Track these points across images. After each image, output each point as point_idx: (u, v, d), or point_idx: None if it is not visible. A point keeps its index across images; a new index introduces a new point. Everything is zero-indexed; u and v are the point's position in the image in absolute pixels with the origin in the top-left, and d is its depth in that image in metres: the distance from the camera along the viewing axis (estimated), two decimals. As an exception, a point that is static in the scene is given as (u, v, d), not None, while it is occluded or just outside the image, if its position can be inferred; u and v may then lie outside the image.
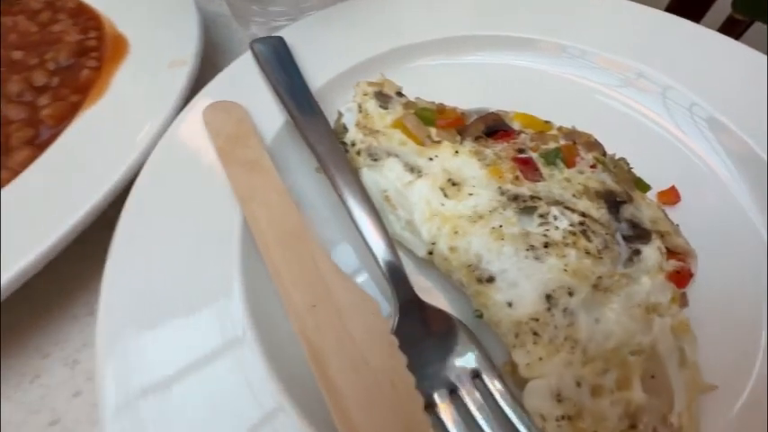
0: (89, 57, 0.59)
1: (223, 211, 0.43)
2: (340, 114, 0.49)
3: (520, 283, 0.35)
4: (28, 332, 0.45)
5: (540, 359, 0.32)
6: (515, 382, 0.35)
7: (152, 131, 0.49)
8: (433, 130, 0.45)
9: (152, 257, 0.40)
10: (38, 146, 0.50)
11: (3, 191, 0.46)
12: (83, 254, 0.44)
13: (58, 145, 0.50)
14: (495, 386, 0.34)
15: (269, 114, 0.51)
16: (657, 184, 0.45)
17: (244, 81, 0.54)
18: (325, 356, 0.33)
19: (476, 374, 0.35)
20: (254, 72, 0.55)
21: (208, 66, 0.60)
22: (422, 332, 0.36)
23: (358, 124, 0.46)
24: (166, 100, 0.52)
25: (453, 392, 0.34)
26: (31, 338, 0.44)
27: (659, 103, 0.52)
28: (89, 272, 0.45)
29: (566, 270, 0.34)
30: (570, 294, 0.34)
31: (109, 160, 0.47)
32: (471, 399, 0.34)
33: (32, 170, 0.48)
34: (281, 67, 0.54)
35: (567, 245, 0.36)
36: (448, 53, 0.57)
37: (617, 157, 0.43)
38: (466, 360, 0.35)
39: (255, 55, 0.55)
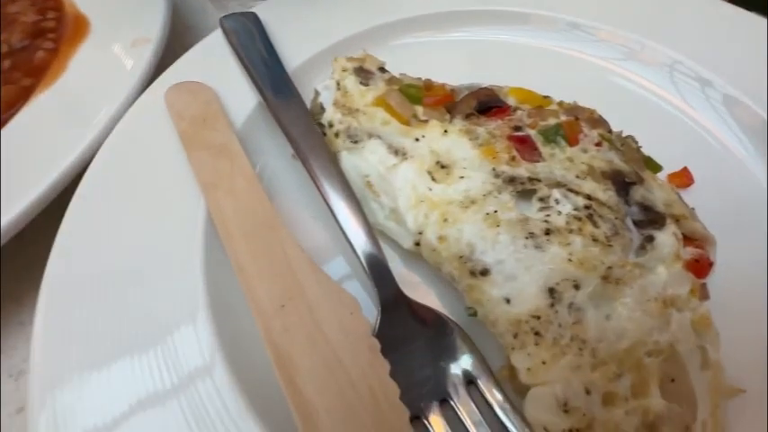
0: (45, 38, 0.54)
1: (184, 202, 0.38)
2: (316, 93, 0.44)
3: (518, 275, 0.30)
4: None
5: (544, 363, 0.28)
6: (515, 389, 0.31)
7: (109, 115, 0.44)
8: (419, 109, 0.41)
9: (100, 260, 0.35)
10: (-18, 133, 0.46)
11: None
12: (32, 254, 0.40)
13: (6, 131, 0.45)
14: (491, 394, 0.30)
15: (240, 97, 0.47)
16: (668, 165, 0.41)
17: (213, 61, 0.50)
18: (293, 362, 0.28)
19: (470, 381, 0.31)
20: (225, 51, 0.50)
21: (179, 49, 0.55)
22: (407, 334, 0.32)
23: (336, 103, 0.41)
24: (126, 81, 0.47)
25: (444, 402, 0.30)
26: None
27: (666, 77, 0.48)
28: (38, 275, 0.40)
29: (570, 260, 0.30)
30: (576, 287, 0.29)
31: (59, 147, 0.42)
32: (465, 409, 0.29)
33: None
34: (254, 46, 0.49)
35: (571, 231, 0.31)
36: (435, 29, 0.53)
37: (624, 135, 0.39)
38: (458, 365, 0.31)
39: (225, 32, 0.50)
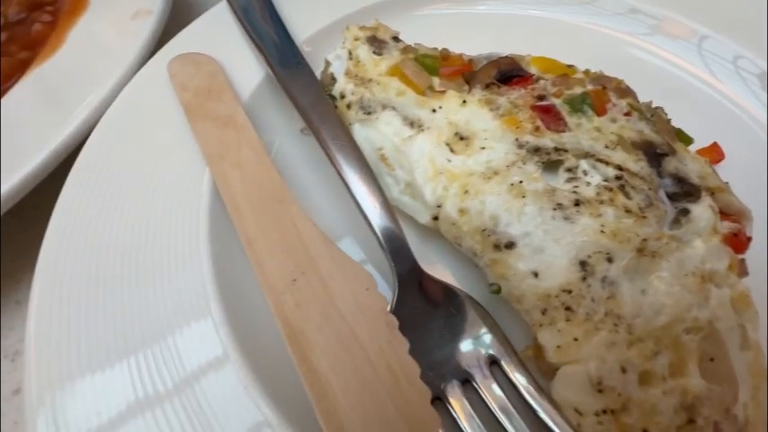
0: (43, 11, 0.52)
1: (188, 175, 0.37)
2: (327, 63, 0.42)
3: (547, 248, 0.28)
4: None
5: (576, 340, 0.26)
6: (540, 370, 0.29)
7: (108, 88, 0.42)
8: (435, 80, 0.39)
9: (98, 237, 0.34)
10: (-22, 106, 0.44)
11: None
12: (31, 232, 0.38)
13: (2, 104, 0.43)
14: (516, 375, 0.28)
15: (247, 69, 0.44)
16: (697, 141, 0.39)
17: (218, 32, 0.48)
18: (306, 338, 0.26)
19: (492, 361, 0.29)
20: (231, 23, 0.48)
21: (183, 22, 0.53)
22: (426, 311, 0.30)
23: (348, 73, 0.39)
24: (127, 54, 0.45)
25: (466, 383, 0.28)
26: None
27: (694, 52, 0.46)
28: (37, 253, 0.38)
29: (603, 231, 0.28)
30: (609, 260, 0.28)
31: (56, 121, 0.40)
32: (488, 391, 0.28)
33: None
34: (261, 16, 0.47)
35: (602, 202, 0.29)
36: (455, 1, 0.51)
37: (653, 106, 0.37)
38: (480, 344, 0.29)
39: (231, 2, 0.48)
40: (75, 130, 0.40)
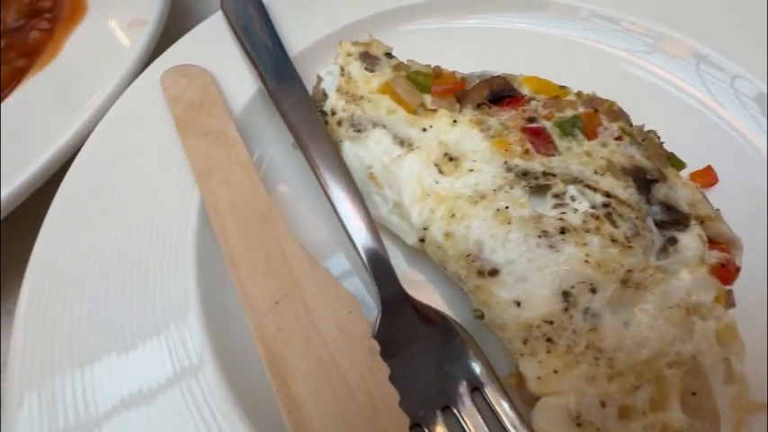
0: (41, 18, 0.53)
1: (178, 190, 0.37)
2: (319, 79, 0.42)
3: (530, 276, 0.28)
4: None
5: (556, 372, 0.26)
6: (523, 398, 0.29)
7: (102, 98, 0.43)
8: (427, 98, 0.38)
9: (87, 249, 0.34)
10: (-27, 114, 0.44)
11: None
12: (22, 242, 0.38)
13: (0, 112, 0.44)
14: (498, 403, 0.28)
15: (240, 82, 0.44)
16: (690, 163, 0.38)
17: (213, 44, 0.48)
18: (286, 364, 0.26)
19: (474, 388, 0.29)
20: (226, 34, 0.48)
21: (178, 32, 0.53)
22: (409, 336, 0.30)
23: (339, 89, 0.39)
24: (122, 64, 0.45)
25: (446, 410, 0.28)
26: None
27: (692, 71, 0.45)
28: (25, 263, 0.38)
29: (587, 261, 0.28)
30: (593, 291, 0.27)
31: (50, 130, 0.41)
32: (469, 419, 0.28)
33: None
34: (256, 29, 0.47)
35: (588, 231, 0.29)
36: (447, 15, 0.50)
37: (646, 129, 0.37)
38: (463, 370, 0.29)
39: (226, 14, 0.48)
40: (70, 141, 0.40)
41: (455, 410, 0.28)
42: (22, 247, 0.35)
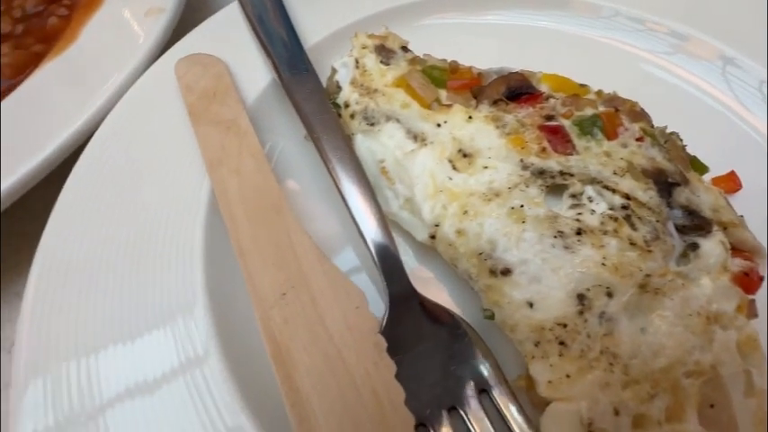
0: (60, 4, 0.53)
1: (189, 178, 0.36)
2: (333, 71, 0.41)
3: (544, 277, 0.27)
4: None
5: (568, 376, 0.25)
6: (532, 402, 0.28)
7: (116, 85, 0.43)
8: (443, 93, 0.38)
9: (97, 235, 0.34)
10: (-11, 97, 0.45)
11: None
12: (33, 225, 0.38)
13: (13, 97, 0.44)
14: (505, 406, 0.27)
15: (253, 72, 0.44)
16: (713, 168, 0.37)
17: (228, 34, 0.47)
18: (292, 357, 0.26)
19: (482, 389, 0.28)
20: (241, 24, 0.48)
21: (195, 21, 0.53)
22: (416, 333, 0.29)
23: (353, 82, 0.39)
24: (137, 51, 0.45)
25: (453, 410, 0.27)
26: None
27: (717, 74, 0.44)
28: (35, 245, 0.39)
29: (604, 264, 0.27)
30: (609, 295, 0.26)
31: (65, 114, 0.41)
32: (475, 420, 0.27)
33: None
34: (271, 19, 0.46)
35: (605, 233, 0.28)
36: (465, 10, 0.50)
37: (668, 131, 0.36)
38: (470, 370, 0.28)
39: (242, 4, 0.48)
40: (84, 126, 0.40)
41: (461, 411, 0.27)
42: (35, 229, 0.35)
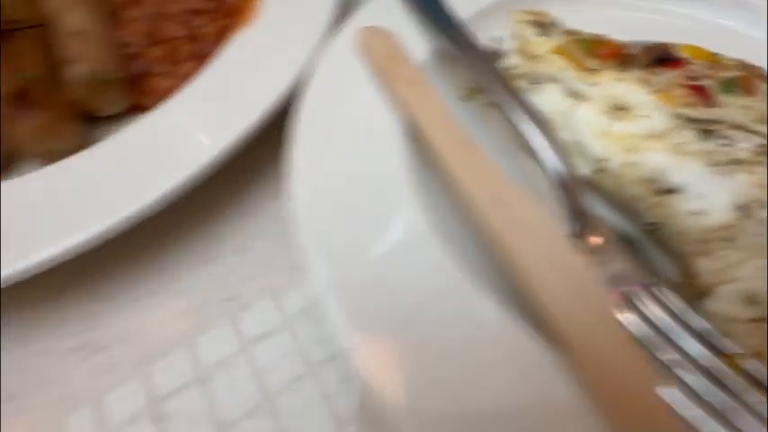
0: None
1: (390, 132, 0.45)
2: (495, 41, 0.50)
3: (707, 194, 0.35)
4: (209, 221, 0.49)
5: (733, 264, 0.33)
6: (682, 297, 0.35)
7: (307, 50, 0.51)
8: (593, 62, 0.46)
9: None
10: (200, 59, 0.54)
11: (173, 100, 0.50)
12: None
13: (220, 60, 0.53)
14: (669, 297, 0.35)
15: (411, 44, 0.52)
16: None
17: (390, 10, 0.56)
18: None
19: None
20: (395, 6, 0.56)
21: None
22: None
23: (517, 49, 0.47)
24: (316, 23, 0.54)
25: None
26: (211, 225, 0.48)
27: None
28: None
29: (760, 186, 0.34)
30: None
31: (272, 75, 0.50)
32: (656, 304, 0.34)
33: (200, 79, 0.52)
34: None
35: (755, 163, 0.36)
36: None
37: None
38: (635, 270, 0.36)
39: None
40: (289, 88, 0.48)
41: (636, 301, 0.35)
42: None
